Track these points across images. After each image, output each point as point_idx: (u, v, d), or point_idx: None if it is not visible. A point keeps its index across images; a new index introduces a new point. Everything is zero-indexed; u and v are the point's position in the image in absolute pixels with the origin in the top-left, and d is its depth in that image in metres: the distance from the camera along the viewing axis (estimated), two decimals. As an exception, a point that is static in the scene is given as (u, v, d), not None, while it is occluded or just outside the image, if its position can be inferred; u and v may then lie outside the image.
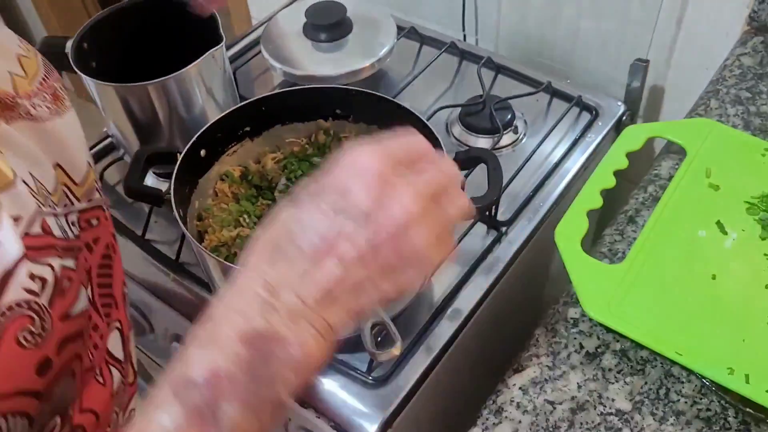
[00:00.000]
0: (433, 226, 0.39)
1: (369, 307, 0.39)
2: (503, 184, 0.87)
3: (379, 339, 0.54)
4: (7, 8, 2.22)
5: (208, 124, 0.76)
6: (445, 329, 0.79)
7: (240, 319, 0.37)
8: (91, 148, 0.94)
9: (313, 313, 0.37)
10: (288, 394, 0.36)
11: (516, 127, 0.98)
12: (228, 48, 1.15)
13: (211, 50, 0.81)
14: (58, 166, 0.45)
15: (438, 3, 1.19)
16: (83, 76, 0.81)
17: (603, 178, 0.71)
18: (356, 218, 0.37)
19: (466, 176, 0.85)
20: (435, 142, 0.73)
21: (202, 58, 0.81)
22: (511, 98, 0.99)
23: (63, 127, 0.46)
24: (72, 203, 0.46)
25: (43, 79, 0.48)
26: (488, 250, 0.85)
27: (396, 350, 0.52)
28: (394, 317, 0.76)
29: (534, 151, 0.94)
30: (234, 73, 1.05)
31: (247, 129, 0.81)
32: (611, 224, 0.74)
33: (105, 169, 0.96)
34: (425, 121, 0.76)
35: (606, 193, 0.72)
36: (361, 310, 0.39)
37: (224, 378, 0.35)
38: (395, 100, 0.78)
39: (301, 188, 0.40)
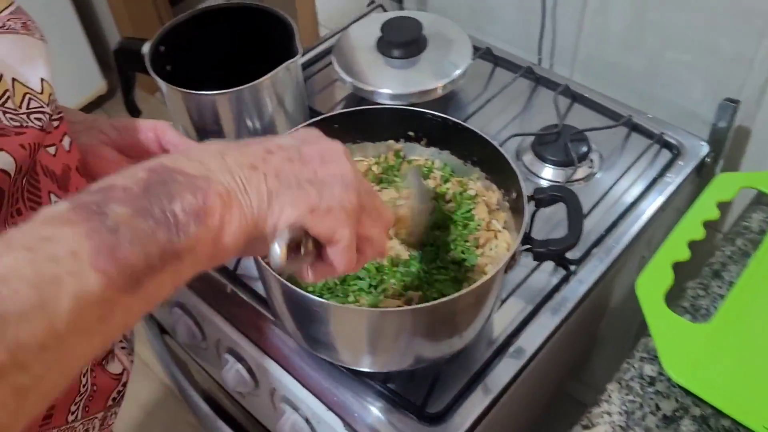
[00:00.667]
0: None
1: (286, 196, 0.42)
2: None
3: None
4: (84, 8, 2.26)
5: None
6: (506, 368, 0.75)
7: (152, 161, 0.39)
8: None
9: (229, 168, 0.40)
10: (187, 214, 0.36)
11: (591, 160, 0.94)
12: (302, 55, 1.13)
13: (287, 62, 0.80)
14: (15, 80, 0.48)
15: (515, 24, 1.16)
16: (158, 79, 0.80)
17: (692, 228, 0.66)
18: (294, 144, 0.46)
19: (534, 213, 0.81)
20: (509, 171, 0.70)
21: (277, 69, 0.80)
22: (587, 130, 0.95)
23: (22, 45, 0.50)
24: (42, 106, 0.50)
25: (15, 12, 0.52)
26: (555, 288, 0.82)
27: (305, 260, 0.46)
28: (451, 358, 0.73)
29: (610, 189, 0.90)
30: (305, 83, 1.04)
31: (318, 145, 0.79)
32: (694, 277, 0.70)
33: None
34: (501, 150, 0.72)
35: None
36: (277, 191, 0.42)
37: (119, 187, 0.35)
38: (469, 125, 0.75)
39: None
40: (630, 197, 0.90)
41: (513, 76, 1.06)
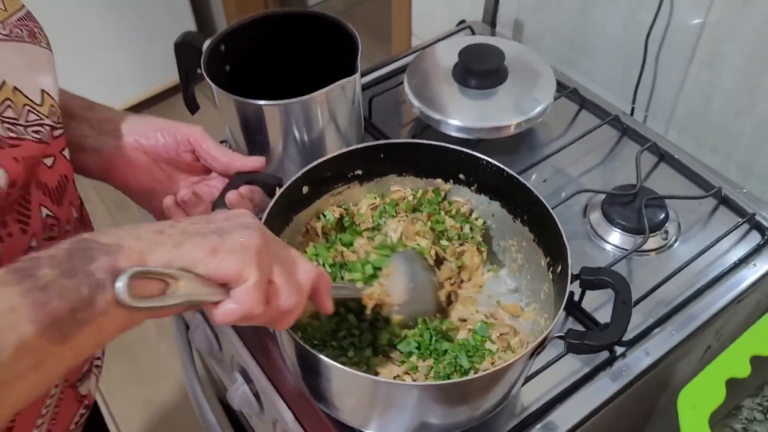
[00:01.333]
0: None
1: (190, 243, 0.43)
2: (634, 299, 0.75)
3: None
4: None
5: (317, 162, 0.69)
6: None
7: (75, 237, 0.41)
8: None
9: (138, 234, 0.42)
10: (105, 272, 0.39)
11: (666, 231, 0.84)
12: (376, 69, 1.09)
13: (341, 81, 0.75)
14: (16, 89, 0.49)
15: (612, 65, 1.06)
16: (209, 80, 0.77)
17: (758, 341, 0.56)
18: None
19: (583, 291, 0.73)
20: (560, 243, 0.62)
21: (331, 86, 0.75)
22: (668, 197, 0.85)
23: (26, 54, 0.51)
24: (42, 119, 0.50)
25: (23, 18, 0.53)
26: (597, 369, 0.73)
27: None
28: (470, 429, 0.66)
29: (682, 266, 0.79)
30: (371, 100, 0.99)
31: (359, 173, 0.74)
32: (754, 394, 0.60)
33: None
34: (556, 219, 0.64)
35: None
36: (181, 243, 0.43)
37: (46, 256, 0.39)
38: (526, 182, 0.67)
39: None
40: (704, 279, 0.80)
41: (598, 123, 0.97)
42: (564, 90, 1.01)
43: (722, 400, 0.54)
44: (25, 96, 0.49)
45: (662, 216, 0.84)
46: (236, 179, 0.68)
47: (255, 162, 0.66)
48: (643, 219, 0.82)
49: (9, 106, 0.47)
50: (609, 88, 1.07)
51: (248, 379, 0.79)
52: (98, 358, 0.68)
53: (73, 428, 0.64)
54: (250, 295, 0.45)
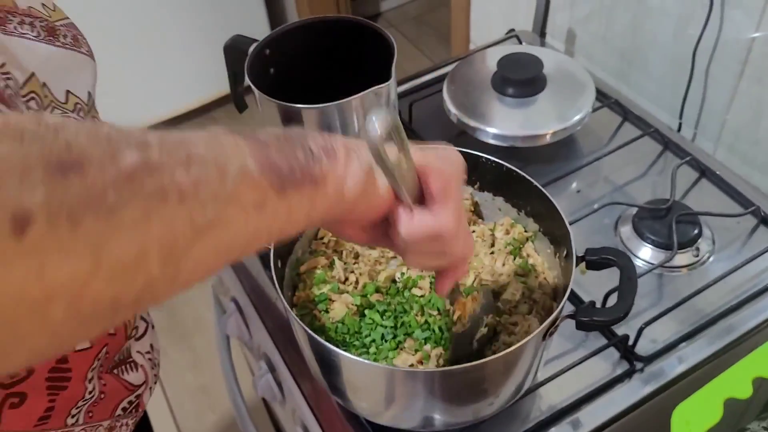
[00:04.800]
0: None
1: None
2: (664, 309, 0.75)
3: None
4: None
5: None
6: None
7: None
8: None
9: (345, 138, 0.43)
10: (319, 149, 0.40)
11: (697, 248, 0.82)
12: (420, 76, 1.11)
13: (375, 87, 0.78)
14: (45, 85, 0.51)
15: (662, 80, 1.05)
16: (251, 83, 0.81)
17: (762, 364, 0.56)
18: None
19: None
20: (564, 228, 0.63)
21: (365, 92, 0.78)
22: (701, 214, 0.84)
23: (64, 57, 0.55)
24: (66, 113, 0.53)
25: (66, 26, 0.57)
26: (615, 381, 0.73)
27: None
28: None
29: (710, 284, 0.78)
30: (411, 105, 1.02)
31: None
32: (761, 417, 0.59)
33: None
34: (556, 204, 0.64)
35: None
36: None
37: (261, 131, 0.39)
38: (525, 174, 0.68)
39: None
40: (733, 300, 0.78)
41: (638, 134, 0.96)
42: (606, 101, 1.00)
43: (718, 420, 0.54)
44: (51, 93, 0.52)
45: (695, 232, 0.83)
46: None
47: None
48: (672, 234, 0.81)
49: (33, 98, 0.50)
50: (658, 103, 1.05)
51: (272, 368, 0.83)
52: (148, 352, 0.70)
53: (120, 414, 0.66)
54: (450, 214, 0.46)
